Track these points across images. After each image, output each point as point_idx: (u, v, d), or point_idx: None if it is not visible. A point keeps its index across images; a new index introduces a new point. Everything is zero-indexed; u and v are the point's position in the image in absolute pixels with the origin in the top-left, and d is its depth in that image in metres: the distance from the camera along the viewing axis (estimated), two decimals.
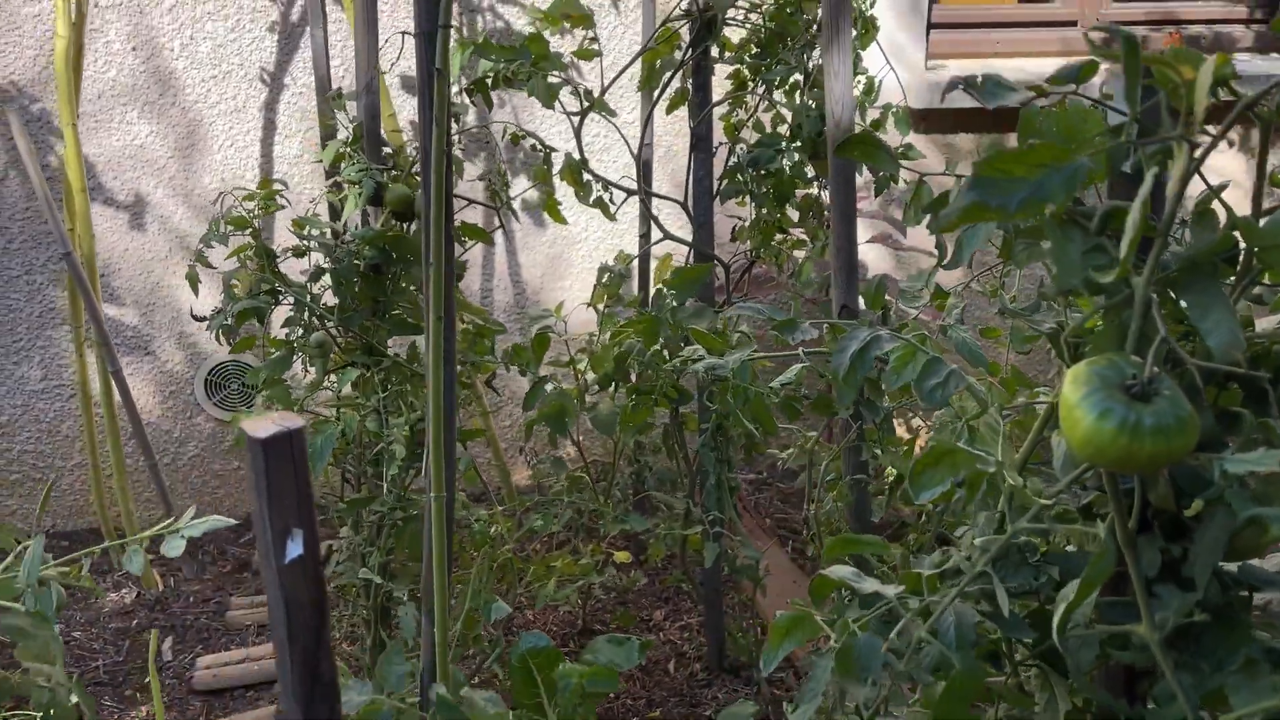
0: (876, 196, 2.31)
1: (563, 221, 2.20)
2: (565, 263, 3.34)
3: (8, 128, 2.86)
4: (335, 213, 2.06)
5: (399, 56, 2.61)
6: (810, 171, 1.97)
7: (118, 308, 3.06)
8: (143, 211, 3.02)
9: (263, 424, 0.64)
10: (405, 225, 1.94)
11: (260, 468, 0.62)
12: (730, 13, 2.05)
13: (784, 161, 1.87)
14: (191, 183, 3.04)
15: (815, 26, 1.98)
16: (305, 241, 1.88)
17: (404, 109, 3.00)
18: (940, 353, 0.84)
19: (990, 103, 0.68)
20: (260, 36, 2.98)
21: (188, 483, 3.26)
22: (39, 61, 2.85)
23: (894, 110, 2.09)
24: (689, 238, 2.11)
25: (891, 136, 2.08)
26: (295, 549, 0.63)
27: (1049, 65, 3.61)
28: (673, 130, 3.18)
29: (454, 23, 3.01)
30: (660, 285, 1.97)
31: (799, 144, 1.89)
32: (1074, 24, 3.75)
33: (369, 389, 1.85)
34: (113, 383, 2.65)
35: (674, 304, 1.62)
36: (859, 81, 2.12)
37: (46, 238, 2.96)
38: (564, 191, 2.31)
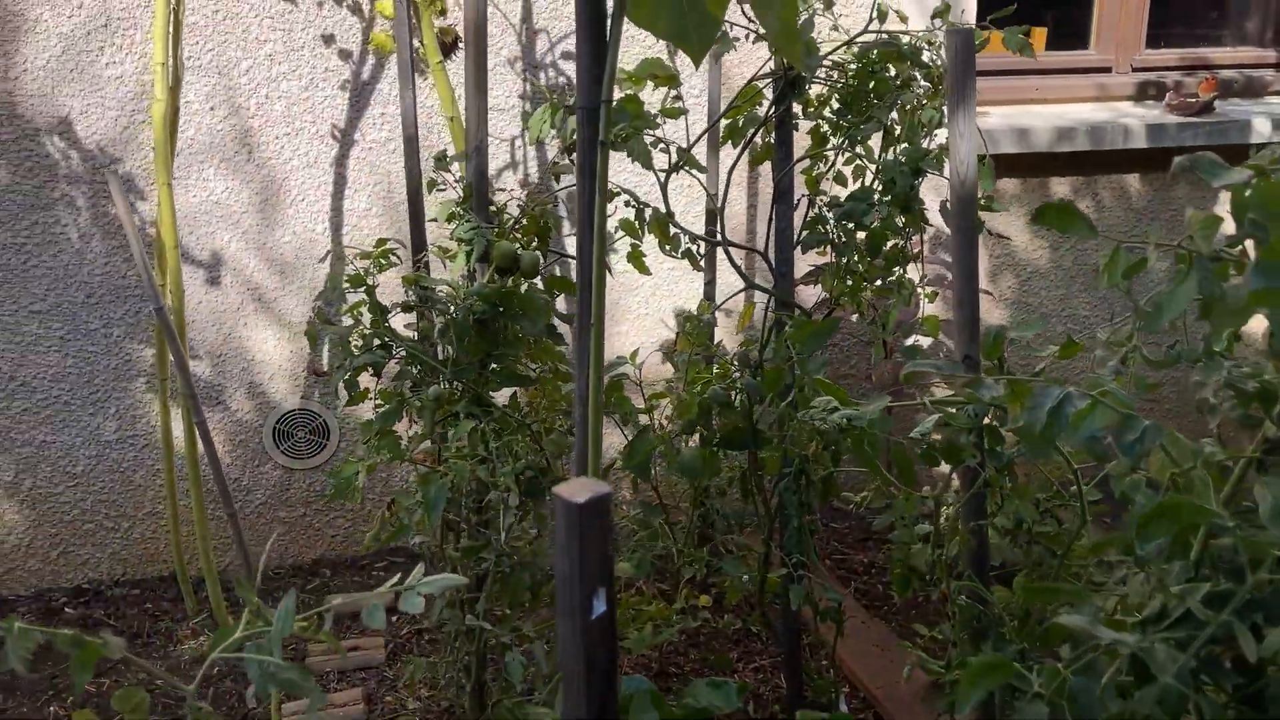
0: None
1: (646, 272, 2.27)
2: (623, 309, 3.41)
3: (91, 188, 2.95)
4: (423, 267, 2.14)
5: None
6: (899, 222, 2.04)
7: (191, 359, 3.13)
8: (218, 265, 3.10)
9: (576, 488, 0.69)
10: (505, 280, 2.01)
11: (575, 530, 0.67)
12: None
13: (875, 215, 1.94)
14: (265, 237, 3.12)
15: (898, 83, 2.06)
16: (413, 296, 1.95)
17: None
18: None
19: (1216, 183, 0.75)
20: (332, 95, 3.07)
21: (254, 530, 3.30)
22: (120, 122, 2.94)
23: (984, 161, 2.15)
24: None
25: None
26: (600, 606, 0.68)
27: (1086, 111, 3.71)
28: (733, 183, 3.27)
29: (524, 79, 3.10)
30: (742, 333, 2.04)
31: (890, 198, 1.96)
32: (1109, 70, 3.85)
33: (478, 439, 1.91)
34: (196, 433, 2.71)
35: (801, 356, 1.68)
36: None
37: (124, 292, 3.03)
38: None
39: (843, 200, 2.16)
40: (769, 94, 2.19)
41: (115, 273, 3.02)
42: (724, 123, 2.24)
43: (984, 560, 1.62)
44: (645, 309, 3.41)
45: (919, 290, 2.09)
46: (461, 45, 2.55)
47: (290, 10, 2.97)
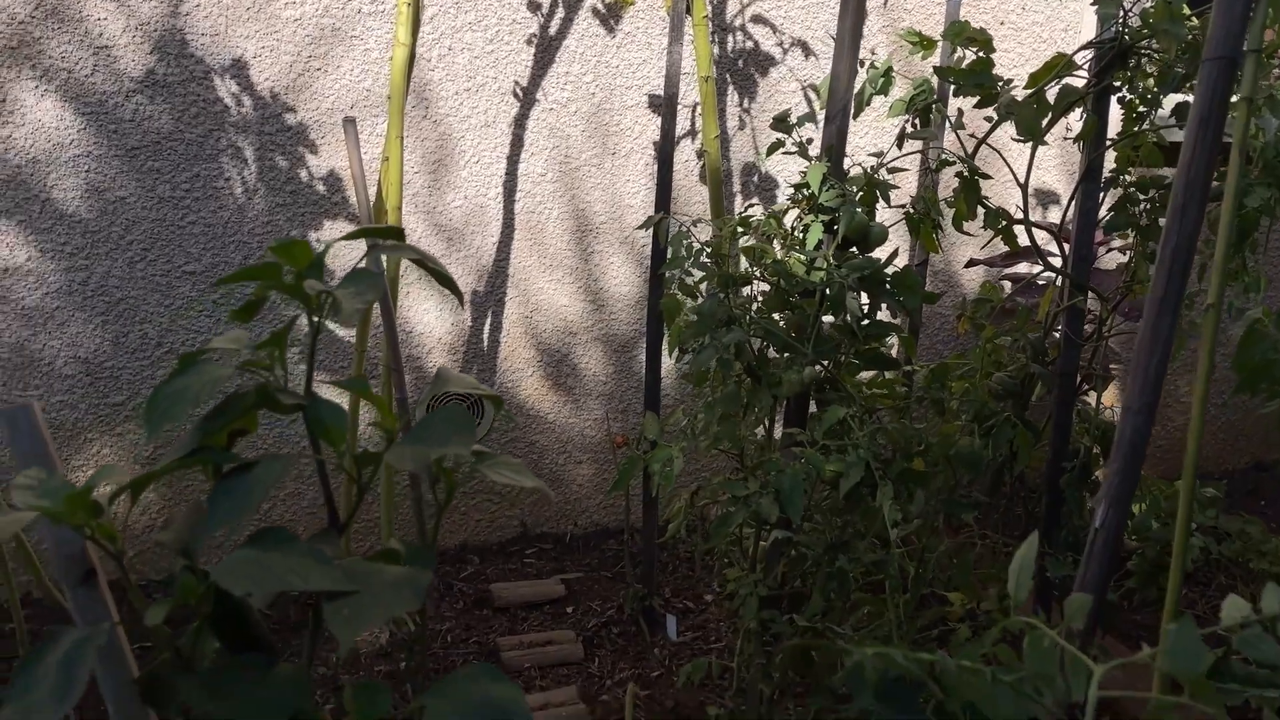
0: None
1: (936, 250, 2.14)
2: None
3: (259, 139, 2.69)
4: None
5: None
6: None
7: (347, 326, 2.89)
8: None
9: None
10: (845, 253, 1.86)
11: None
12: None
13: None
14: (434, 200, 2.90)
15: None
16: (756, 270, 1.79)
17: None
18: None
19: None
20: (517, 49, 2.86)
21: (398, 511, 3.09)
22: (294, 69, 2.69)
23: None
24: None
25: None
26: None
27: None
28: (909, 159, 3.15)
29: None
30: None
31: (1271, 180, 1.86)
32: None
33: (838, 428, 1.76)
34: (394, 409, 2.50)
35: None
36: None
37: None
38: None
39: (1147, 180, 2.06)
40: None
41: (277, 232, 2.77)
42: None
43: None
44: None
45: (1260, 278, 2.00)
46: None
47: None
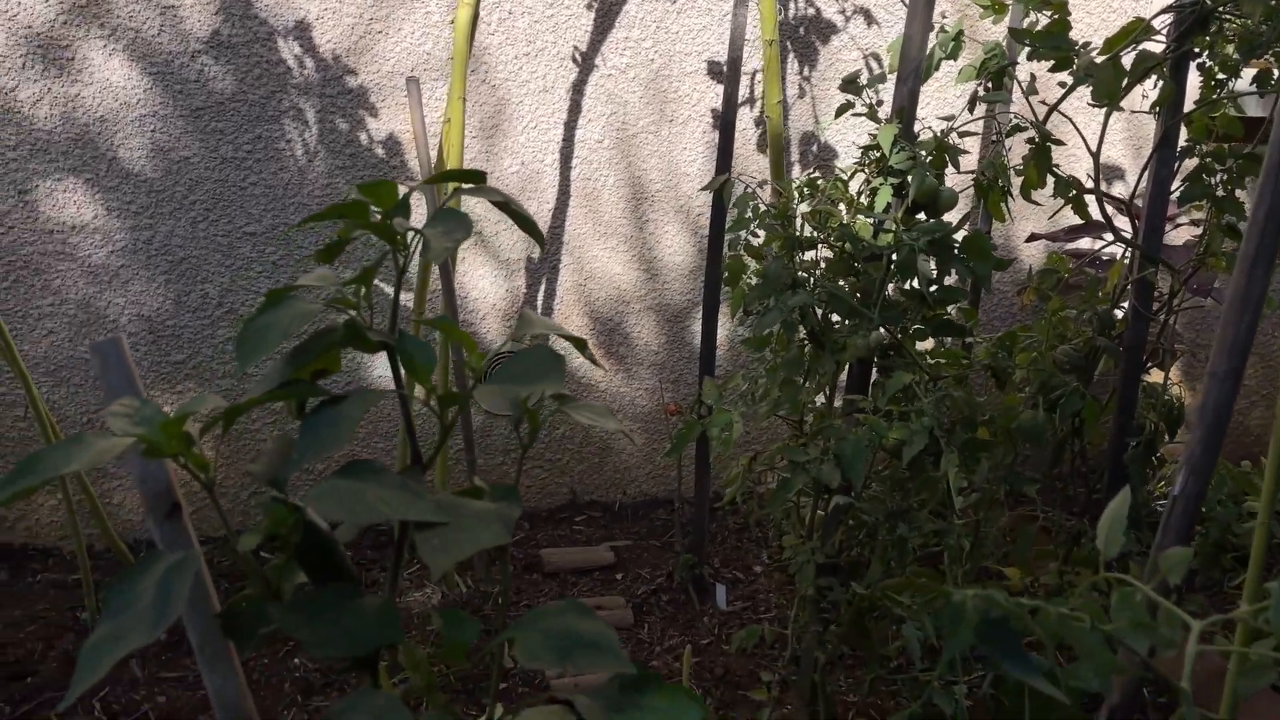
0: None
1: (1002, 218, 2.10)
2: None
3: (321, 100, 2.70)
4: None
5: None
6: None
7: (406, 292, 2.91)
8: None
9: None
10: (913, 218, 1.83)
11: None
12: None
13: None
14: (490, 164, 2.90)
15: None
16: (820, 234, 1.76)
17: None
18: None
19: None
20: (577, 14, 2.85)
21: (450, 477, 3.11)
22: (356, 30, 2.69)
23: None
24: None
25: None
26: None
27: None
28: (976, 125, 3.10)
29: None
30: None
31: None
32: None
33: (902, 395, 1.74)
34: (450, 372, 2.51)
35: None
36: None
37: None
38: None
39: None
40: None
41: (336, 194, 2.79)
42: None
43: None
44: None
45: None
46: None
47: None
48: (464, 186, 1.06)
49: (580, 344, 0.97)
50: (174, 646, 2.41)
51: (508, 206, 0.99)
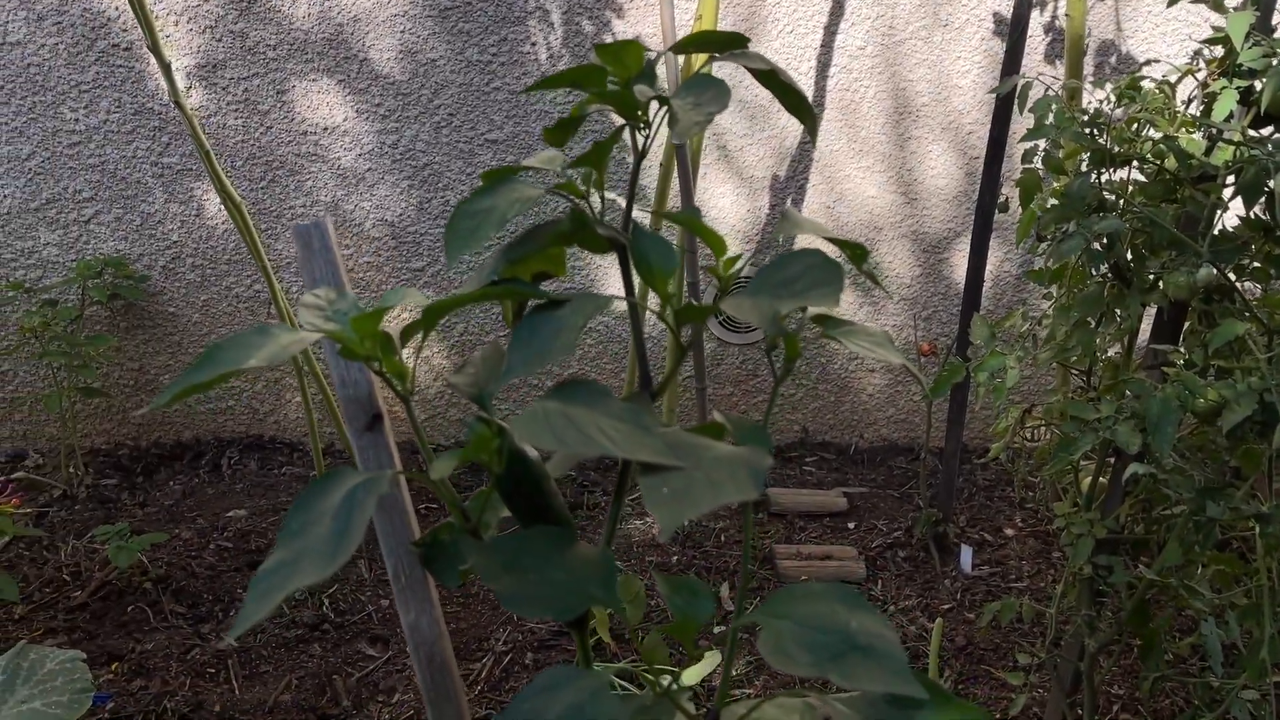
0: None
1: None
2: None
3: (566, 1, 2.57)
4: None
5: None
6: None
7: (641, 208, 2.77)
8: None
9: None
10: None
11: None
12: None
13: None
14: (739, 73, 2.68)
15: None
16: (1136, 148, 1.44)
17: None
18: None
19: None
20: None
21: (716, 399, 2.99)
22: None
23: None
24: None
25: None
26: None
27: None
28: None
29: None
30: None
31: None
32: None
33: (1226, 349, 1.42)
34: (685, 287, 2.35)
35: None
36: None
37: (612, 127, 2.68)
38: None
39: None
40: None
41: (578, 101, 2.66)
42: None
43: None
44: None
45: None
46: None
47: None
48: (722, 54, 0.87)
49: (859, 253, 0.76)
50: None
51: (775, 77, 0.79)
